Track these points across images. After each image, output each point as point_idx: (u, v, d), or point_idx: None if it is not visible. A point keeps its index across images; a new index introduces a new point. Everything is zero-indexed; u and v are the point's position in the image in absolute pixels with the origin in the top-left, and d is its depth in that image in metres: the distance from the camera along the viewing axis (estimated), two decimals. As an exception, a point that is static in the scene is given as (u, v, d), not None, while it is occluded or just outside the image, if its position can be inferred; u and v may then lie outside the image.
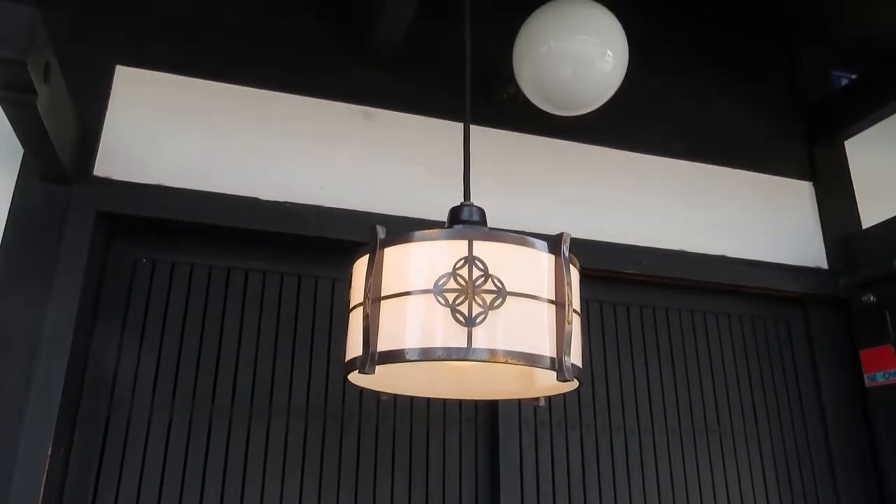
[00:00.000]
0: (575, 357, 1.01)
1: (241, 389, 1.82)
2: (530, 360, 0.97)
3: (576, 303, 1.03)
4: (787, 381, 2.30)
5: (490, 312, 0.95)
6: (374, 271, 1.01)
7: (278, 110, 2.01)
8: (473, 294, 0.96)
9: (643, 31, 1.99)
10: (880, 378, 2.20)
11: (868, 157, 2.60)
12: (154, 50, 1.95)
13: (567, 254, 1.03)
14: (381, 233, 1.03)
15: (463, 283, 0.96)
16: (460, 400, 1.93)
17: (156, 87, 1.92)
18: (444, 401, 1.94)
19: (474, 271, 0.97)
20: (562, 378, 0.97)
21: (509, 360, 0.96)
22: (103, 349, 1.76)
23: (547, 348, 0.98)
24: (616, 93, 1.91)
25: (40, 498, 1.52)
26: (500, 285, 0.97)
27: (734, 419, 2.20)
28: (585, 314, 2.13)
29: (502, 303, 0.96)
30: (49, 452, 1.55)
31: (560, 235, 1.03)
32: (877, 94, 2.38)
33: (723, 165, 2.42)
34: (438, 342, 0.95)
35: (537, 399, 1.20)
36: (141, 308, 1.82)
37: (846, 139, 2.56)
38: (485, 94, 2.14)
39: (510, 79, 1.98)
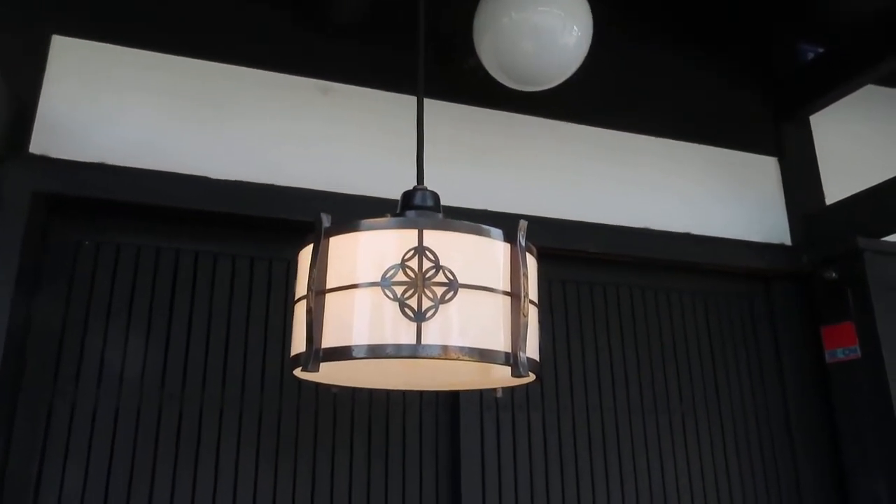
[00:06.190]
0: (531, 351, 0.96)
1: (192, 376, 1.76)
2: (484, 356, 0.92)
3: (532, 294, 0.98)
4: (749, 358, 2.30)
5: (441, 306, 0.90)
6: (319, 262, 0.95)
7: (229, 84, 1.92)
8: (423, 287, 0.90)
9: (608, 4, 1.92)
10: (840, 354, 2.21)
11: (833, 133, 2.59)
12: (94, 18, 1.84)
13: (524, 243, 0.98)
14: (326, 221, 0.97)
15: (412, 275, 0.91)
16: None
17: (96, 59, 1.81)
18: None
19: (424, 262, 0.92)
20: (517, 374, 0.93)
21: (461, 357, 0.91)
22: (44, 336, 1.67)
23: (501, 343, 0.93)
24: (579, 67, 1.85)
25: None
26: (451, 277, 0.91)
27: (696, 397, 2.19)
28: (547, 294, 2.09)
29: (454, 296, 0.91)
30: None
31: (517, 224, 0.98)
32: (844, 68, 2.36)
33: (688, 141, 2.39)
34: (387, 338, 0.90)
35: (496, 389, 1.16)
36: (84, 293, 1.73)
37: (813, 113, 2.54)
38: (445, 66, 2.06)
39: (471, 51, 1.91)
